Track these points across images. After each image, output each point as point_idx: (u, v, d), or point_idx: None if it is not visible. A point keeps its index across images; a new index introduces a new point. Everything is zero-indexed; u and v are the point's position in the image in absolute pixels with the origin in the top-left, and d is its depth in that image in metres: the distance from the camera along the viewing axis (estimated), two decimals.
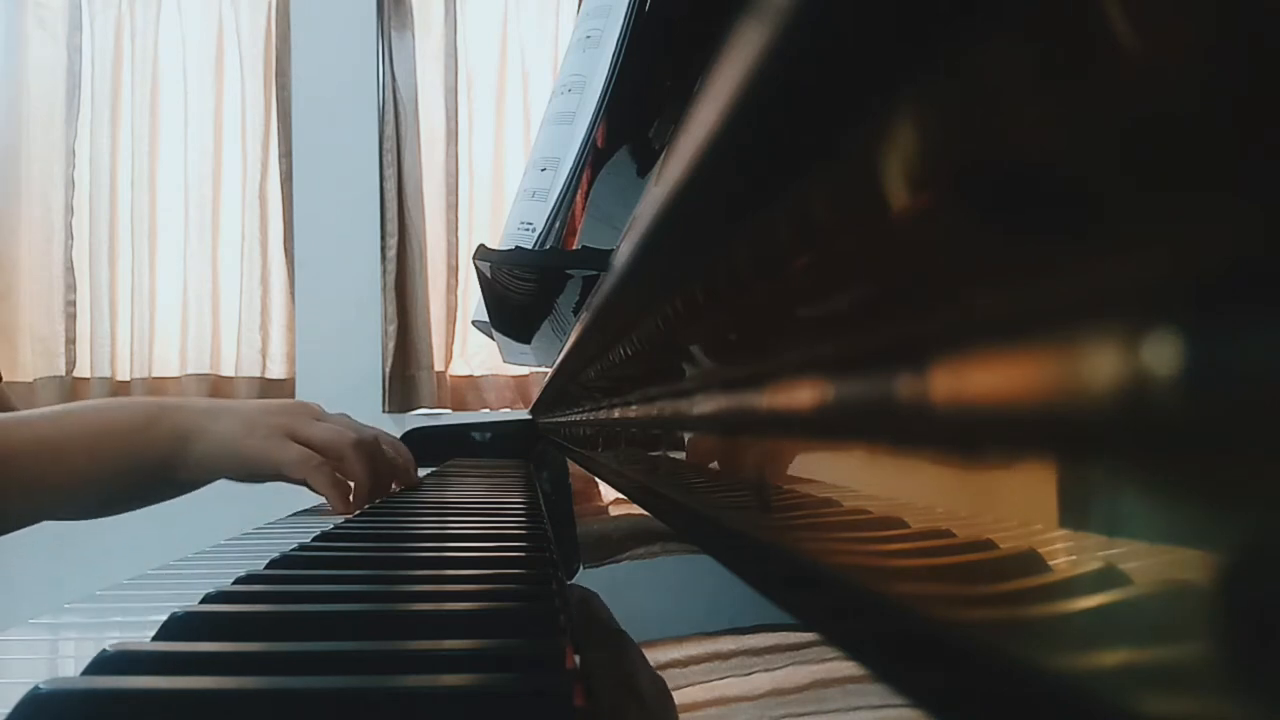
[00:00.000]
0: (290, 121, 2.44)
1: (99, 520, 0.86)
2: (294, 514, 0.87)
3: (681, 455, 0.31)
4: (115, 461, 0.79)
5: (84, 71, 2.45)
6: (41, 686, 0.27)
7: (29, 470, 0.75)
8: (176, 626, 0.36)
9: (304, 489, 0.85)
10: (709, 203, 0.20)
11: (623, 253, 0.30)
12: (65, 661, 0.43)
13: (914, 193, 0.12)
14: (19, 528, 0.78)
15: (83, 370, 2.43)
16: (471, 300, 2.29)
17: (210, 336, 2.43)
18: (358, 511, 0.81)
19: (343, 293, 2.42)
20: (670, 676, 0.25)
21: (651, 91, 0.60)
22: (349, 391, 2.38)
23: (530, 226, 0.65)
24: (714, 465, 0.27)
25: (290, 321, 2.45)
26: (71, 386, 2.42)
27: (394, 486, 0.96)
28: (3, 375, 1.21)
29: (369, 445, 0.89)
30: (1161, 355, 0.08)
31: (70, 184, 2.44)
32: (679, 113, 0.20)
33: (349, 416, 0.95)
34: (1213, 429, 0.07)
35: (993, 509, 0.11)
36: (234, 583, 0.44)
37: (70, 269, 2.44)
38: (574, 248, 0.63)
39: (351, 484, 0.87)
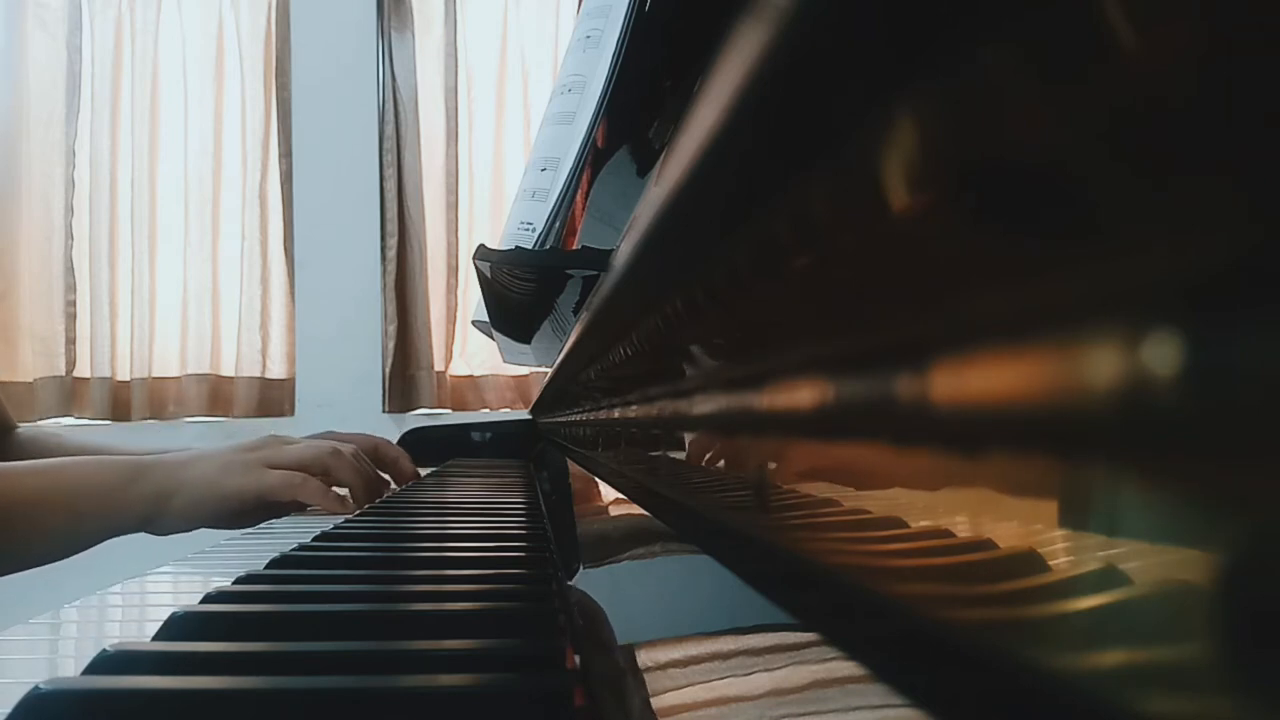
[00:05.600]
0: (290, 121, 2.44)
1: None
2: (294, 514, 0.87)
3: (681, 455, 0.31)
4: (94, 520, 0.79)
5: (84, 71, 2.45)
6: (41, 686, 0.27)
7: (9, 525, 0.76)
8: (176, 626, 0.36)
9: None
10: (708, 203, 0.20)
11: (623, 253, 0.30)
12: (65, 661, 0.43)
13: (913, 192, 0.12)
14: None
15: (83, 370, 2.43)
16: (471, 300, 2.29)
17: (210, 336, 2.43)
18: (357, 511, 0.81)
19: (343, 293, 2.42)
20: (670, 676, 0.25)
21: (651, 91, 0.60)
22: (349, 391, 2.38)
23: (530, 226, 0.65)
24: (714, 465, 0.27)
25: (290, 321, 2.45)
26: (71, 386, 2.42)
27: (392, 485, 0.97)
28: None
29: (347, 451, 0.89)
30: (1160, 355, 0.08)
31: (70, 184, 2.44)
32: (679, 113, 0.20)
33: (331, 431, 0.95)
34: (1213, 429, 0.07)
35: (993, 509, 0.11)
36: (234, 583, 0.44)
37: (70, 269, 2.44)
38: (574, 248, 0.63)
39: (345, 490, 0.87)
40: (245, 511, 0.84)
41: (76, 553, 0.81)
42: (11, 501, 0.76)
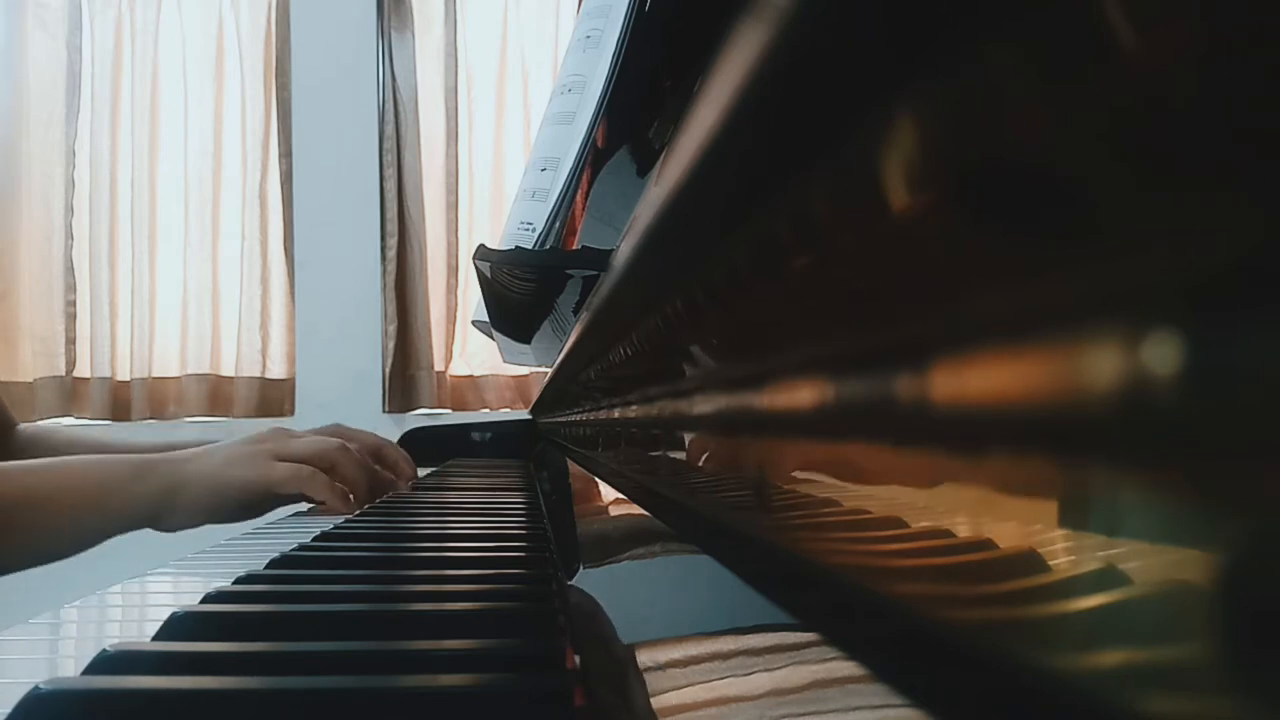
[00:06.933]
0: (290, 121, 2.44)
1: None
2: (294, 514, 0.87)
3: (681, 455, 0.31)
4: (98, 518, 0.79)
5: (84, 71, 2.45)
6: (41, 686, 0.27)
7: (13, 523, 0.76)
8: (176, 626, 0.36)
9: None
10: (708, 203, 0.20)
11: (623, 253, 0.30)
12: (65, 661, 0.43)
13: (913, 192, 0.12)
14: (2, 575, 0.78)
15: (83, 370, 2.43)
16: (471, 300, 2.29)
17: (210, 336, 2.43)
18: (357, 511, 0.81)
19: (343, 293, 2.42)
20: (670, 676, 0.25)
21: (651, 91, 0.60)
22: (349, 391, 2.38)
23: (530, 226, 0.65)
24: (714, 465, 0.27)
25: (290, 321, 2.45)
26: (71, 386, 2.42)
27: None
28: None
29: (353, 449, 0.89)
30: (1160, 355, 0.08)
31: (70, 184, 2.44)
32: (679, 113, 0.20)
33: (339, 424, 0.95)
34: (1213, 429, 0.07)
35: (993, 509, 0.11)
36: (234, 583, 0.44)
37: (70, 269, 2.44)
38: (574, 248, 0.63)
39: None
40: (252, 504, 0.84)
41: (83, 550, 0.81)
42: (15, 500, 0.76)
